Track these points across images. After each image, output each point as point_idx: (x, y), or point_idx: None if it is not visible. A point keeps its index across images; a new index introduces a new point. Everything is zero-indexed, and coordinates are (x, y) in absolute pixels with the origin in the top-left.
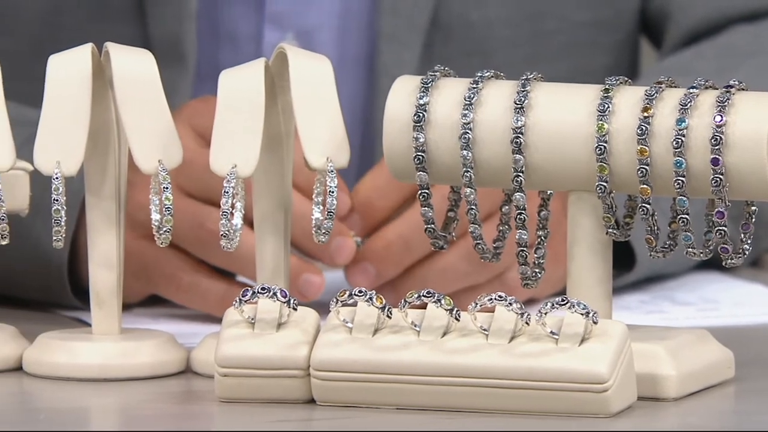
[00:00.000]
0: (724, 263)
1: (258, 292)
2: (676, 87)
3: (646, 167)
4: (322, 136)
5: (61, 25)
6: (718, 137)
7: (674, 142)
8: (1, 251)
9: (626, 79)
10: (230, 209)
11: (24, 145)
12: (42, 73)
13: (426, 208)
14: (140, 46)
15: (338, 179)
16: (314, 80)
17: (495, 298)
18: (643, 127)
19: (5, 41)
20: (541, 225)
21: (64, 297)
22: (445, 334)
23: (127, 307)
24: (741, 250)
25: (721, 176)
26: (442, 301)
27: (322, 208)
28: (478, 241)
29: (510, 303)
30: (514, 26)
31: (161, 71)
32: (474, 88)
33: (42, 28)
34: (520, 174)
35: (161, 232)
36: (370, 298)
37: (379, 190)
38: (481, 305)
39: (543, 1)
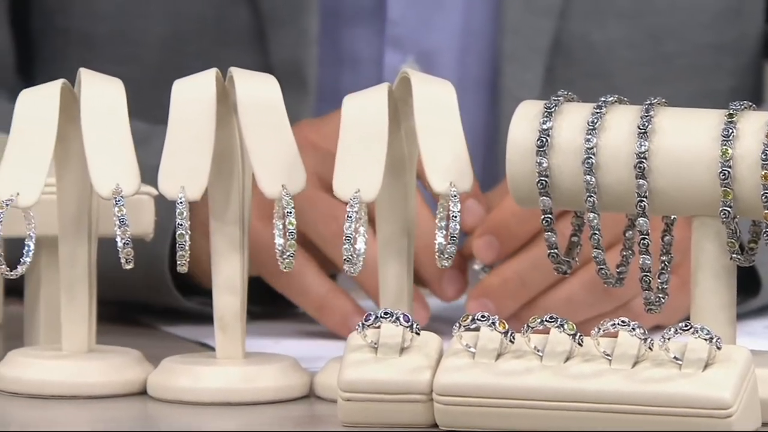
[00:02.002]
0: None
1: (381, 317)
2: None
3: None
4: (445, 160)
5: (182, 51)
6: None
7: None
8: (106, 259)
9: (750, 103)
10: (353, 234)
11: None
12: (164, 101)
13: (549, 233)
14: (261, 71)
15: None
16: (437, 105)
17: (618, 323)
18: None
19: (128, 69)
20: (664, 250)
21: (166, 293)
22: (568, 359)
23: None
24: None
25: None
26: (565, 326)
27: (445, 232)
28: (601, 266)
29: (633, 328)
30: (635, 48)
31: (285, 96)
32: (597, 112)
33: (164, 56)
34: (644, 199)
35: (285, 256)
36: (493, 323)
37: (517, 215)
38: (604, 330)
39: (664, 22)
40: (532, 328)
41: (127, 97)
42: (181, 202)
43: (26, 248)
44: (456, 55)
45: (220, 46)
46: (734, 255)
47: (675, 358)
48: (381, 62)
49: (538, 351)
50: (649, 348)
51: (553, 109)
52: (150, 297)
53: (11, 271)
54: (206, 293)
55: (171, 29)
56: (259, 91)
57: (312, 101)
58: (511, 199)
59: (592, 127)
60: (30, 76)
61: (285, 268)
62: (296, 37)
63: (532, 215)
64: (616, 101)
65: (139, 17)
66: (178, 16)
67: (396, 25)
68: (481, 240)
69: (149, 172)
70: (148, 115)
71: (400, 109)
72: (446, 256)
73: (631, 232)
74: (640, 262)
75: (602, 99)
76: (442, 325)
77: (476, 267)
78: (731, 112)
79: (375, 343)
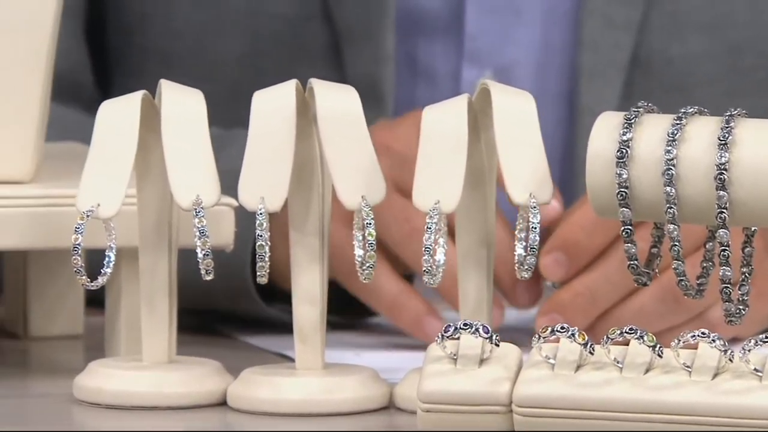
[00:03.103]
0: None
1: (460, 328)
2: None
3: None
4: (525, 172)
5: (259, 68)
6: None
7: None
8: (186, 268)
9: None
10: (433, 245)
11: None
12: (241, 116)
13: (629, 245)
14: None
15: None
16: (517, 116)
17: (698, 335)
18: None
19: (206, 86)
20: (745, 262)
21: (247, 301)
22: (647, 370)
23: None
24: None
25: None
26: (645, 338)
27: (524, 243)
28: (681, 278)
29: (713, 340)
30: (713, 62)
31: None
32: (677, 124)
33: (240, 72)
34: (724, 210)
35: (365, 267)
36: (573, 335)
37: (586, 229)
38: (683, 342)
39: (742, 36)
40: (612, 339)
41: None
42: (261, 213)
43: (107, 259)
44: (534, 69)
45: (296, 63)
46: None
47: (755, 370)
48: (458, 77)
49: (618, 362)
50: (730, 360)
51: (633, 121)
52: (230, 305)
53: (92, 282)
54: (286, 300)
55: (248, 46)
56: (339, 103)
57: (389, 117)
58: (580, 215)
59: (672, 139)
60: (106, 92)
61: (365, 279)
62: (372, 54)
63: (601, 229)
64: (696, 112)
65: (216, 35)
66: (255, 34)
67: (474, 40)
68: (549, 257)
69: (227, 178)
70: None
71: (479, 120)
72: (526, 267)
73: (711, 244)
74: (721, 273)
75: (682, 110)
76: (521, 336)
77: (547, 283)
78: None
79: (454, 355)
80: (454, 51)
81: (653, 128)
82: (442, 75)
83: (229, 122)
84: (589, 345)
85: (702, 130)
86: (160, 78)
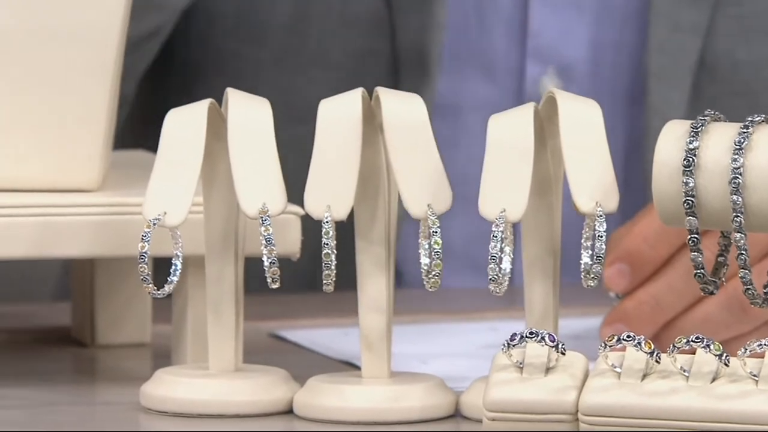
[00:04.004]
0: None
1: (526, 337)
2: None
3: None
4: (591, 180)
5: (307, 34)
6: None
7: None
8: None
9: None
10: (499, 253)
11: None
12: (285, 83)
13: (696, 253)
14: (387, 56)
15: None
16: (584, 124)
17: (765, 344)
18: None
19: (251, 49)
20: None
21: None
22: (714, 379)
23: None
24: None
25: None
26: (711, 347)
27: (591, 252)
28: (748, 287)
29: None
30: None
31: (407, 83)
32: (744, 132)
33: (288, 38)
34: None
35: (431, 276)
36: (639, 343)
37: (649, 240)
38: (750, 351)
39: None
40: (678, 348)
41: (248, 80)
42: (327, 222)
43: (173, 267)
44: (597, 68)
45: (345, 31)
46: None
47: None
48: (521, 73)
49: (684, 371)
50: None
51: (699, 129)
52: None
53: (158, 290)
54: None
55: (296, 10)
56: (405, 111)
57: (433, 91)
58: (643, 225)
59: (738, 147)
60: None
61: (430, 287)
62: (422, 22)
63: (665, 240)
64: (763, 121)
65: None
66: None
67: (538, 36)
68: (613, 269)
69: None
70: (269, 97)
71: (545, 128)
72: (592, 275)
73: None
74: None
75: (749, 119)
76: (587, 345)
77: (611, 294)
78: None
79: (520, 363)
80: (517, 47)
81: (720, 137)
82: (505, 71)
83: (273, 91)
84: (655, 354)
85: None
86: (204, 37)
